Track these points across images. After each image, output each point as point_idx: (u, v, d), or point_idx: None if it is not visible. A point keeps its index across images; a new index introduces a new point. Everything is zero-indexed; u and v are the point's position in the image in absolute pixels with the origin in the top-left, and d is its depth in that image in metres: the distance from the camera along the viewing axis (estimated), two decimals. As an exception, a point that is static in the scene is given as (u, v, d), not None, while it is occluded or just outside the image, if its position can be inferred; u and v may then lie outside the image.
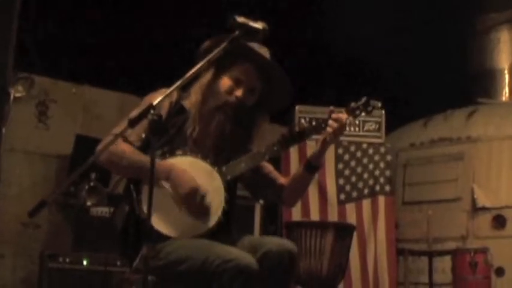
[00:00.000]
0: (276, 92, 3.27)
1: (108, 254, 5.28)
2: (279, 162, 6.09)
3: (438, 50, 7.78)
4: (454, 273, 6.26)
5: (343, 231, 5.12)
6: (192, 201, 3.01)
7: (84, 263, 5.36)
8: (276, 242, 2.99)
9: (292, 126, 6.47)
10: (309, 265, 4.90)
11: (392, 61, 7.59)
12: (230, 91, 3.17)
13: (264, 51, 3.24)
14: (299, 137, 3.26)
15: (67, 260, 5.33)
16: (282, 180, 3.40)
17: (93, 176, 5.81)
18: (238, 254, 2.87)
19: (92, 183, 5.79)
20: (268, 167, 3.41)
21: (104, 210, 5.69)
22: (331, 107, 3.23)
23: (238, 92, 3.17)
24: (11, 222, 6.27)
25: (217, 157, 3.17)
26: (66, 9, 6.44)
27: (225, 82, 3.17)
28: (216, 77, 3.18)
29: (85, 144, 6.20)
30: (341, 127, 3.18)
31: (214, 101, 3.15)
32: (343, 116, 3.19)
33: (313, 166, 3.30)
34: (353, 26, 7.18)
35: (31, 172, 6.50)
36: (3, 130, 5.91)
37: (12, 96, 5.94)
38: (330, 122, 3.17)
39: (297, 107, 6.49)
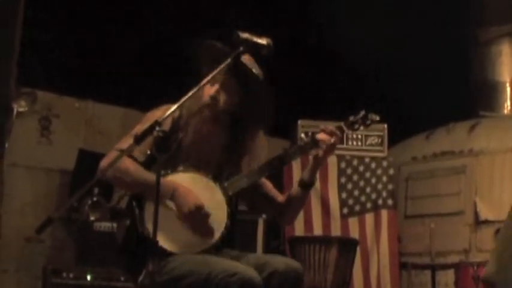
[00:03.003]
0: (257, 96, 3.24)
1: (111, 269, 5.27)
2: (281, 177, 6.09)
3: (440, 63, 7.78)
4: (457, 286, 6.24)
5: (347, 246, 5.12)
6: (196, 219, 3.03)
7: (88, 278, 5.33)
8: (282, 262, 2.99)
9: (294, 141, 6.48)
10: (313, 280, 4.90)
11: (394, 74, 7.61)
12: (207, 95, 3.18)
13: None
14: (299, 151, 3.27)
15: (70, 275, 5.29)
16: (280, 198, 3.41)
17: (95, 191, 5.81)
18: (242, 268, 2.88)
19: (94, 198, 5.79)
20: (268, 185, 3.43)
21: (107, 225, 5.68)
22: (330, 127, 3.24)
23: (211, 91, 3.17)
24: (13, 237, 6.25)
25: (219, 170, 3.19)
26: (69, 24, 6.45)
27: (206, 89, 3.17)
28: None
29: (88, 159, 6.21)
30: (334, 143, 3.20)
31: (194, 106, 3.17)
32: (335, 130, 3.21)
33: (306, 183, 3.31)
34: (354, 39, 7.20)
35: (33, 187, 6.49)
36: (6, 145, 5.94)
37: (15, 111, 5.97)
38: (321, 136, 3.19)
39: (299, 122, 6.49)
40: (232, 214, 3.15)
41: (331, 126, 3.24)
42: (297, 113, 6.55)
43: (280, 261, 3.00)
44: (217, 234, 3.07)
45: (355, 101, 7.56)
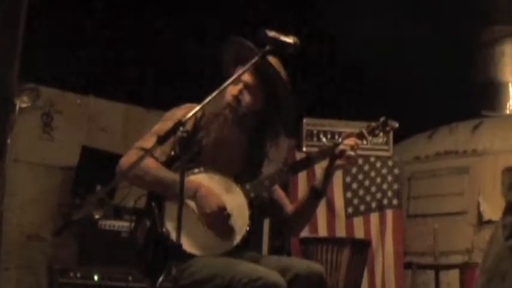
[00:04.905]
0: (281, 100, 3.18)
1: (117, 268, 5.20)
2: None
3: (443, 62, 7.75)
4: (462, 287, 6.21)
5: (359, 247, 5.07)
6: (217, 221, 2.97)
7: (95, 278, 5.26)
8: (305, 265, 2.94)
9: (299, 139, 6.43)
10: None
11: (397, 73, 7.57)
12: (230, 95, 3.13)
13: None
14: (322, 155, 3.22)
15: (78, 274, 5.22)
16: (290, 208, 3.36)
17: (98, 188, 5.74)
18: (265, 272, 2.83)
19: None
20: (280, 193, 3.38)
21: (112, 224, 5.61)
22: (349, 135, 3.19)
23: (234, 90, 3.11)
24: (14, 234, 6.18)
25: (239, 173, 3.14)
26: (71, 21, 6.39)
27: (229, 88, 3.09)
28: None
29: (91, 156, 6.15)
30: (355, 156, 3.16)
31: (216, 106, 3.11)
32: (357, 141, 3.17)
33: (319, 193, 3.25)
34: (358, 38, 7.16)
35: (35, 183, 6.42)
36: (9, 141, 5.87)
37: (17, 107, 5.90)
38: (348, 153, 3.14)
39: (305, 120, 6.43)
40: (253, 216, 3.09)
41: (353, 137, 3.20)
42: (301, 111, 6.48)
43: (301, 265, 2.94)
44: (238, 237, 3.02)
45: (359, 100, 7.54)
